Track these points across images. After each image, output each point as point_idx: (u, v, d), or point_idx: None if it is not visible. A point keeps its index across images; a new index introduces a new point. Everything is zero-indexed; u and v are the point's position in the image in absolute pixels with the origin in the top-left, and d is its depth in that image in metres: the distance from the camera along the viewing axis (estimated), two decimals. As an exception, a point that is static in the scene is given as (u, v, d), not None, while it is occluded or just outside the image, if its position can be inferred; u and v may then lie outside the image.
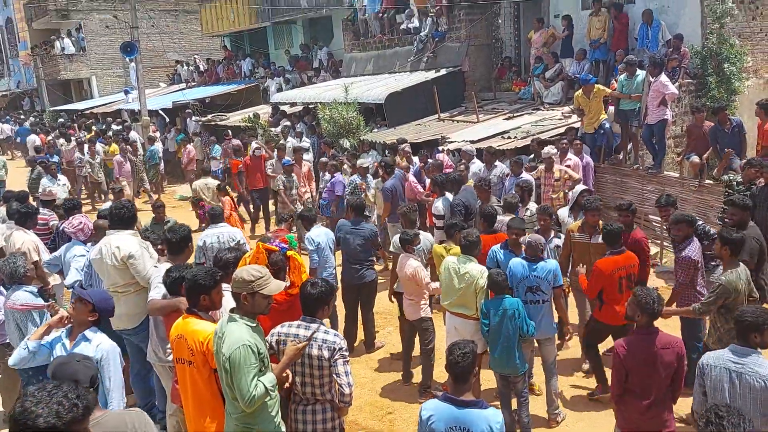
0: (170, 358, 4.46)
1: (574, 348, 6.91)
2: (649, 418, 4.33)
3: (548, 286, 5.72)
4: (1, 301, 5.74)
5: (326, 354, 4.00)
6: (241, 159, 13.29)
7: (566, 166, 9.39)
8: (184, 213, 13.62)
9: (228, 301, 4.26)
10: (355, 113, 14.02)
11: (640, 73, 9.83)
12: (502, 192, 9.13)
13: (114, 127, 21.93)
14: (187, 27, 32.48)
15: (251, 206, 13.14)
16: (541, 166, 9.38)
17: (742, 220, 6.00)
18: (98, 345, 4.20)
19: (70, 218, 7.26)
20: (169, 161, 18.44)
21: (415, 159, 10.98)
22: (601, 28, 12.16)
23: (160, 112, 21.71)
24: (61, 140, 18.54)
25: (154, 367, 5.35)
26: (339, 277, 7.49)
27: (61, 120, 26.99)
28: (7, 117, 32.75)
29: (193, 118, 20.20)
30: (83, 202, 13.73)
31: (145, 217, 10.63)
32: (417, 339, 6.67)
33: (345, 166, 11.76)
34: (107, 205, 9.64)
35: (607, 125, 10.48)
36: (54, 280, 7.25)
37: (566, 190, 8.96)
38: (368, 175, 10.73)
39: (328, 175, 11.31)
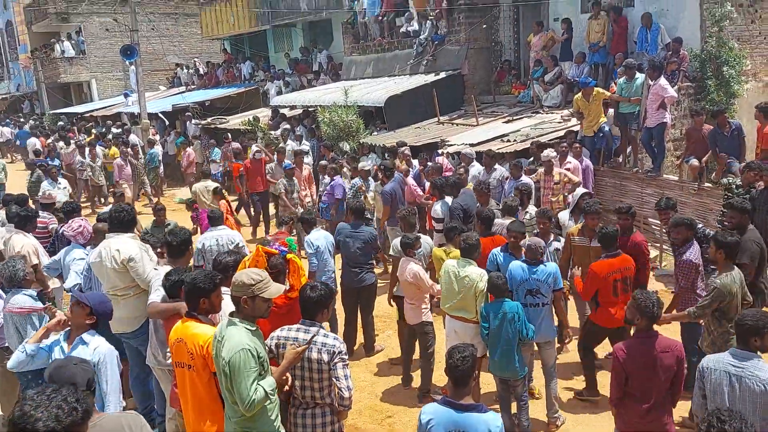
0: (169, 361, 4.46)
1: (574, 351, 6.88)
2: (648, 421, 4.33)
3: (548, 289, 5.72)
4: (0, 304, 5.73)
5: (326, 357, 4.00)
6: (242, 162, 13.31)
7: (566, 169, 9.40)
8: (184, 216, 13.60)
9: (227, 305, 4.26)
10: (354, 116, 14.03)
11: (640, 77, 9.83)
12: (502, 195, 9.13)
13: (114, 130, 21.95)
14: (187, 30, 32.52)
15: (252, 209, 13.16)
16: (541, 170, 9.37)
17: (742, 223, 6.01)
18: (95, 348, 4.18)
19: (70, 221, 7.28)
20: (169, 164, 18.46)
21: (415, 162, 10.98)
22: (600, 31, 12.18)
23: (160, 115, 21.72)
24: (61, 143, 18.55)
25: (154, 371, 5.34)
26: (338, 280, 7.48)
27: (60, 123, 27.03)
28: (7, 120, 32.77)
29: (193, 121, 20.20)
30: (83, 205, 13.78)
31: (145, 220, 10.64)
32: (416, 342, 6.67)
33: (345, 169, 11.77)
34: (108, 208, 9.64)
35: (607, 128, 10.49)
36: (53, 283, 7.24)
37: (566, 193, 8.96)
38: (369, 177, 10.74)
39: (327, 179, 11.31)
